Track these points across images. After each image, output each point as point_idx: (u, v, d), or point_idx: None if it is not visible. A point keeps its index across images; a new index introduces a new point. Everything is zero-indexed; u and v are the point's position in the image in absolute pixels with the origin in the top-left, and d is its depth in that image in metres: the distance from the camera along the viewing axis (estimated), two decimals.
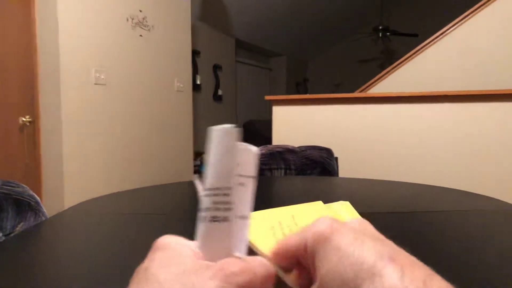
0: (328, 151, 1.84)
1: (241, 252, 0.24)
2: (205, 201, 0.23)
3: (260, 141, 2.80)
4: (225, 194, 0.23)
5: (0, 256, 0.68)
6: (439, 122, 2.50)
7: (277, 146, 1.88)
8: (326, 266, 0.21)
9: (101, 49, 2.67)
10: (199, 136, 4.58)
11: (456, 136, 2.47)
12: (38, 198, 1.00)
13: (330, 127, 2.78)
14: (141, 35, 2.99)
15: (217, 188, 0.23)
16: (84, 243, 0.78)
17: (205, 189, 0.23)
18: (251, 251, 0.26)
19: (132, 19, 2.90)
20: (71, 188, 2.48)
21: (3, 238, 0.88)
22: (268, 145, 1.92)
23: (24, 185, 1.00)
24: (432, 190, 1.26)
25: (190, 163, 3.64)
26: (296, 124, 2.87)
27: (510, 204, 1.01)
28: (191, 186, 1.39)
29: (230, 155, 0.23)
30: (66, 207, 2.30)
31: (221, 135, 0.23)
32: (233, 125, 0.23)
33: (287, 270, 0.25)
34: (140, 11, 2.97)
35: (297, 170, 1.81)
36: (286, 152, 1.84)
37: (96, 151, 2.66)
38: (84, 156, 2.57)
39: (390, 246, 0.22)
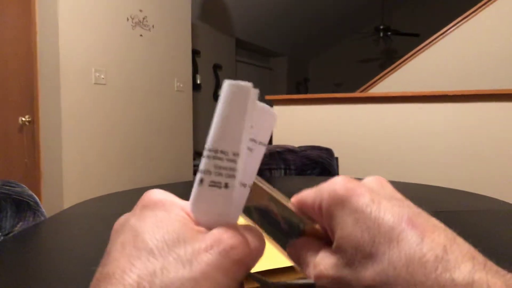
0: (328, 151, 1.84)
1: (235, 219, 0.22)
2: (206, 162, 0.20)
3: None
4: (230, 160, 0.20)
5: None
6: (440, 122, 2.50)
7: (277, 146, 1.88)
8: (342, 229, 0.21)
9: (101, 48, 2.66)
10: (199, 136, 4.58)
11: (457, 136, 2.46)
12: (37, 198, 1.00)
13: (330, 127, 2.77)
14: (141, 35, 2.98)
15: (223, 152, 0.20)
16: (82, 244, 0.78)
17: (208, 149, 0.20)
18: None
19: (133, 18, 2.90)
20: (70, 188, 2.48)
21: (2, 238, 0.88)
22: (268, 145, 1.92)
23: (23, 185, 1.00)
24: (433, 190, 1.26)
25: (190, 163, 3.64)
26: (296, 124, 2.87)
27: (510, 204, 1.00)
28: (191, 186, 1.39)
29: (244, 116, 0.20)
30: (65, 207, 2.30)
31: (237, 92, 0.20)
32: (251, 84, 0.20)
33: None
34: (141, 10, 2.97)
35: (297, 170, 1.81)
36: (286, 152, 1.84)
37: (95, 151, 2.65)
38: (83, 156, 2.57)
39: (408, 207, 0.21)
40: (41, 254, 0.72)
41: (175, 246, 0.19)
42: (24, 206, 0.96)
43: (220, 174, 0.20)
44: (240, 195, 0.22)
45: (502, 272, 0.18)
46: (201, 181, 0.21)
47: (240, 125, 0.20)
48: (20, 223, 0.93)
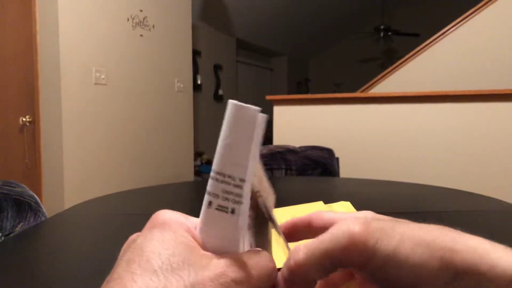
0: (329, 151, 1.84)
1: (244, 239, 0.22)
2: (213, 185, 0.20)
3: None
4: (237, 186, 0.20)
5: (0, 256, 0.68)
6: (440, 122, 2.50)
7: (278, 146, 1.88)
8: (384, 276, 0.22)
9: (102, 49, 2.67)
10: (200, 136, 4.58)
11: (457, 136, 2.46)
12: (37, 198, 1.00)
13: (331, 127, 2.77)
14: (141, 35, 2.99)
15: (230, 176, 0.20)
16: (83, 244, 0.78)
17: (216, 172, 0.20)
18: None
19: (133, 18, 2.90)
20: (71, 188, 2.48)
21: (3, 238, 0.88)
22: (269, 145, 1.92)
23: (24, 185, 1.00)
24: (433, 190, 1.26)
25: (191, 164, 3.64)
26: (297, 124, 2.87)
27: (510, 204, 1.00)
28: (191, 186, 1.39)
29: (251, 142, 0.20)
30: (66, 208, 2.30)
31: (244, 117, 0.19)
32: (259, 109, 0.19)
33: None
34: (141, 10, 2.97)
35: (298, 170, 1.81)
36: (287, 152, 1.84)
37: (96, 151, 2.65)
38: (84, 156, 2.57)
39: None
40: (42, 255, 0.72)
41: (179, 269, 0.19)
42: (24, 206, 0.96)
43: (227, 199, 0.20)
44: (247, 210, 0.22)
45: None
46: (210, 203, 0.20)
47: (247, 152, 0.20)
48: (21, 224, 0.93)
